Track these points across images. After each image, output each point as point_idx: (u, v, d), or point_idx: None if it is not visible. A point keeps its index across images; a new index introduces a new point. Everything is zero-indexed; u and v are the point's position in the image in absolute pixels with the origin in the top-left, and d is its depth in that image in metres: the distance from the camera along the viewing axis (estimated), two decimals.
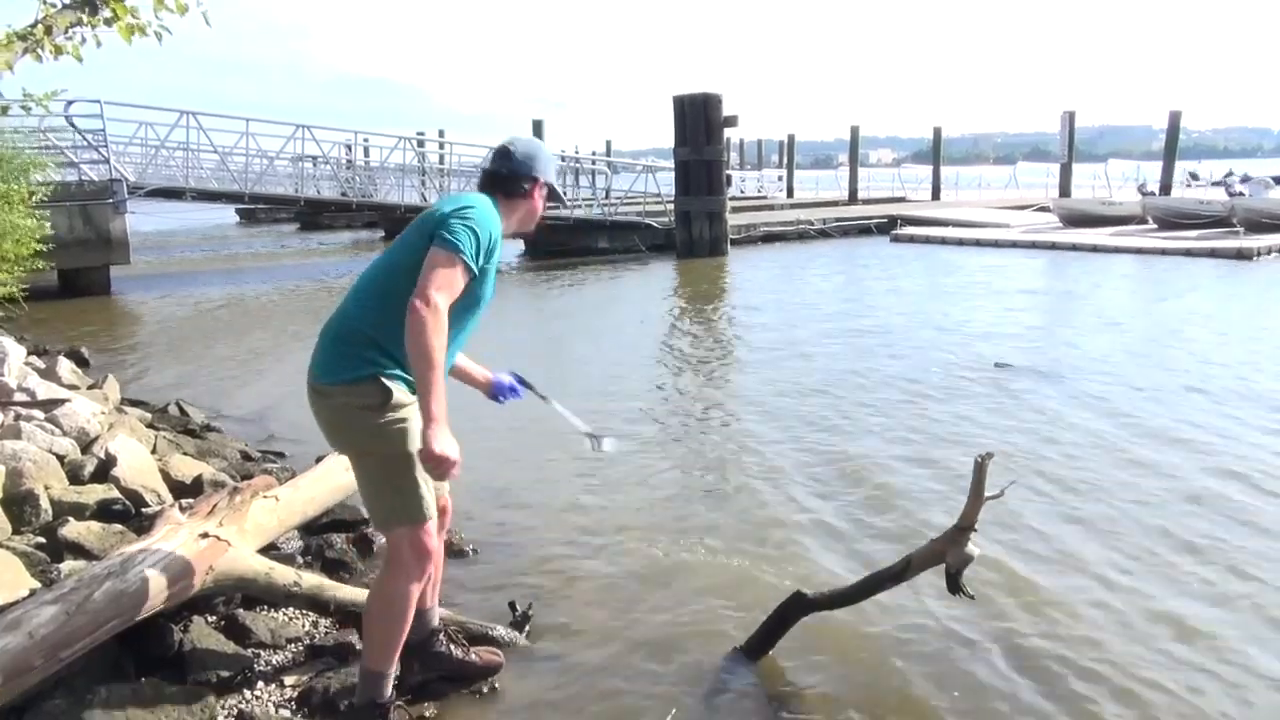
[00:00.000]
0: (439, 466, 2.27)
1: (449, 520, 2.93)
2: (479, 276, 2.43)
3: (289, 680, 2.92)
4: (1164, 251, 16.30)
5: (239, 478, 4.41)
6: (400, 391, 2.42)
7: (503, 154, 2.63)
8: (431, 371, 2.23)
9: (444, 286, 2.29)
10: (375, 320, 2.43)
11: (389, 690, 2.62)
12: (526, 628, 3.30)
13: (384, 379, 2.40)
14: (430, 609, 2.93)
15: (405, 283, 2.34)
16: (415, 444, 2.42)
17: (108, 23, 4.76)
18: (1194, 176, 24.68)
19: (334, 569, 3.72)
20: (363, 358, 2.41)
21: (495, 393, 2.95)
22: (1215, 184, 21.41)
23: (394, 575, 2.53)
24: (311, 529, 4.01)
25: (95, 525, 3.57)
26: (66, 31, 4.76)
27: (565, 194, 2.82)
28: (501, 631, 3.22)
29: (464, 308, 2.46)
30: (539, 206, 2.68)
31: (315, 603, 3.25)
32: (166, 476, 4.32)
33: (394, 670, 2.63)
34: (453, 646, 2.93)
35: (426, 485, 2.49)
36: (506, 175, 2.60)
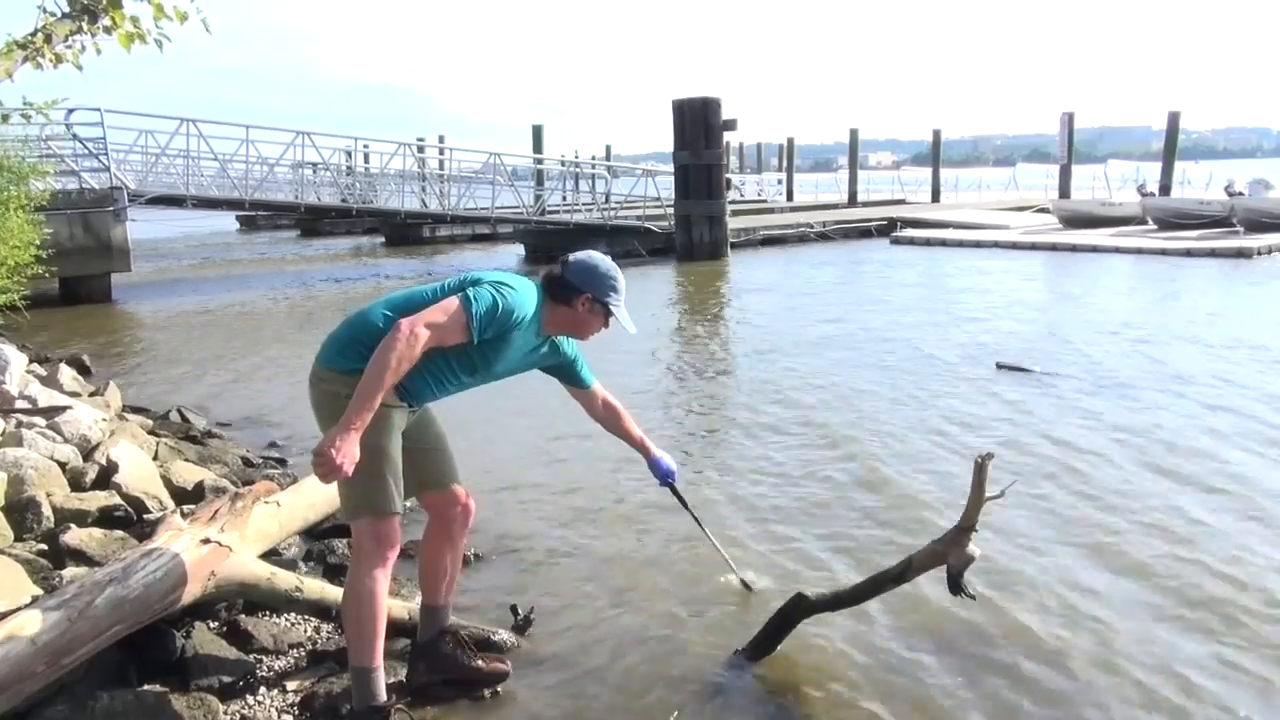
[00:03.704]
0: (323, 465, 2.31)
1: (471, 520, 2.95)
2: (481, 344, 2.53)
3: (291, 685, 2.92)
4: (1164, 252, 16.31)
5: (240, 483, 4.42)
6: (386, 395, 2.48)
7: (563, 261, 2.77)
8: (376, 385, 2.35)
9: (435, 326, 2.42)
10: (385, 330, 2.49)
11: (383, 689, 2.63)
12: (528, 631, 3.30)
13: None
14: (444, 608, 2.95)
15: None
16: (389, 440, 2.54)
17: (107, 31, 4.77)
18: None
19: (336, 574, 3.72)
20: (363, 355, 2.48)
21: (652, 467, 3.24)
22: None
23: (357, 565, 2.60)
24: (313, 534, 4.02)
25: (97, 532, 3.57)
26: (66, 40, 4.77)
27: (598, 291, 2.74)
28: (503, 635, 3.23)
29: (464, 367, 2.62)
30: (586, 320, 2.74)
31: (317, 608, 3.25)
32: (168, 483, 4.33)
33: (380, 665, 2.63)
34: (460, 650, 2.94)
35: (395, 481, 2.56)
36: (557, 279, 2.71)
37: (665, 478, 3.26)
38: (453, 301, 2.48)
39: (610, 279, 2.73)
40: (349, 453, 2.31)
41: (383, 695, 2.61)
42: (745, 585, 3.65)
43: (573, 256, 2.76)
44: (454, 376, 2.64)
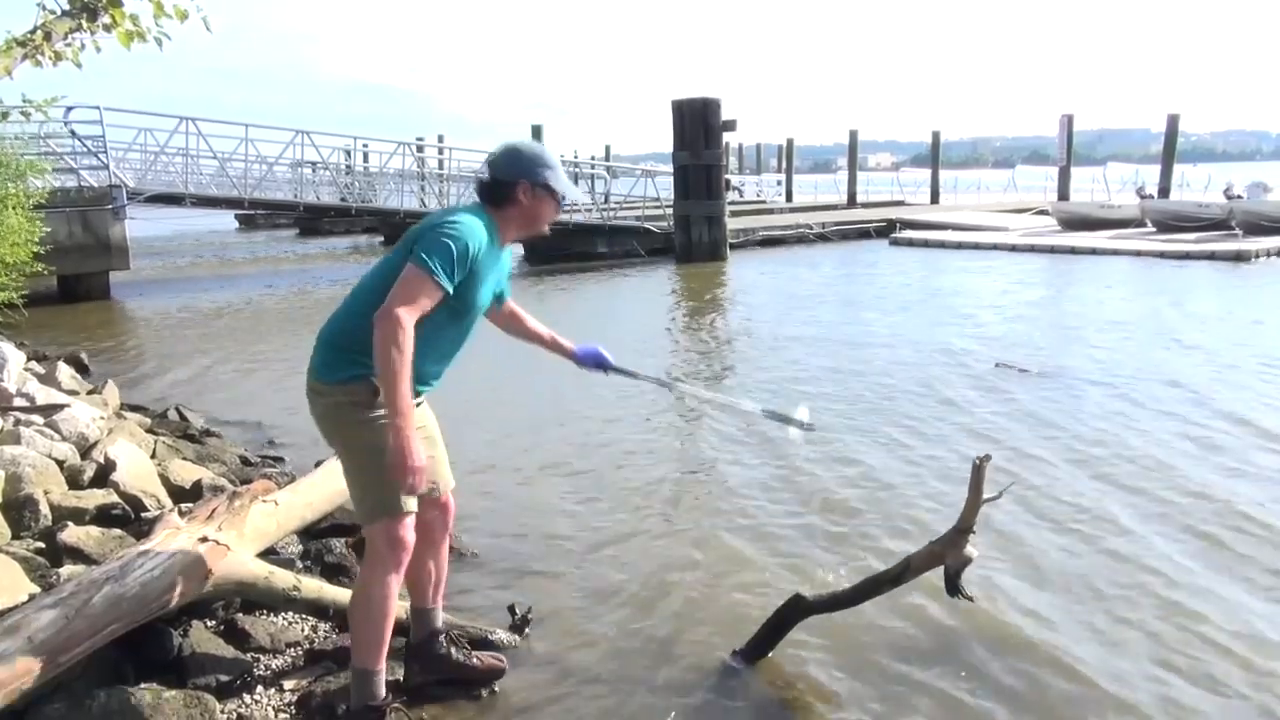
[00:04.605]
0: (408, 477, 2.34)
1: (452, 520, 2.95)
2: (457, 289, 2.47)
3: (288, 685, 2.92)
4: (1162, 254, 16.32)
5: (238, 482, 4.41)
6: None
7: (487, 162, 2.67)
8: (395, 383, 2.32)
9: (408, 302, 2.36)
10: (366, 327, 2.47)
11: (382, 690, 2.63)
12: (526, 631, 3.30)
13: (374, 379, 2.47)
14: (434, 610, 2.95)
15: None
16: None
17: (107, 29, 4.78)
18: None
19: (333, 573, 3.72)
20: (355, 361, 2.48)
21: (579, 360, 3.06)
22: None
23: (371, 569, 2.59)
24: (311, 533, 4.01)
25: (94, 530, 3.57)
26: (66, 38, 4.77)
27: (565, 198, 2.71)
28: (501, 635, 3.23)
29: (451, 316, 2.55)
30: (536, 209, 2.65)
31: (315, 607, 3.26)
32: (166, 481, 4.32)
33: (383, 667, 2.63)
34: (454, 649, 2.94)
35: None
36: (490, 183, 2.63)
37: (599, 364, 3.06)
38: (409, 270, 2.39)
39: (537, 157, 2.63)
40: (411, 450, 2.33)
41: (381, 695, 2.62)
42: (802, 425, 3.10)
43: (493, 156, 2.67)
44: (439, 331, 2.54)
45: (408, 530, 2.56)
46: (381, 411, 2.49)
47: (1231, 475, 4.96)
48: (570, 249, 18.86)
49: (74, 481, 4.09)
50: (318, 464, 4.38)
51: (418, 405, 2.67)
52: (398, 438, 2.33)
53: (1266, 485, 4.80)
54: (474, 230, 2.49)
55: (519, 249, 20.36)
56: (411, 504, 2.55)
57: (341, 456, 2.65)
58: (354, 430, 2.51)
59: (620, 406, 6.70)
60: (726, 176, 19.42)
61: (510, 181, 2.60)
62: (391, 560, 2.54)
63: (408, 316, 2.35)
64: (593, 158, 34.49)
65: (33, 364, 6.43)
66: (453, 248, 2.42)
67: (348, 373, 2.49)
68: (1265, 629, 3.34)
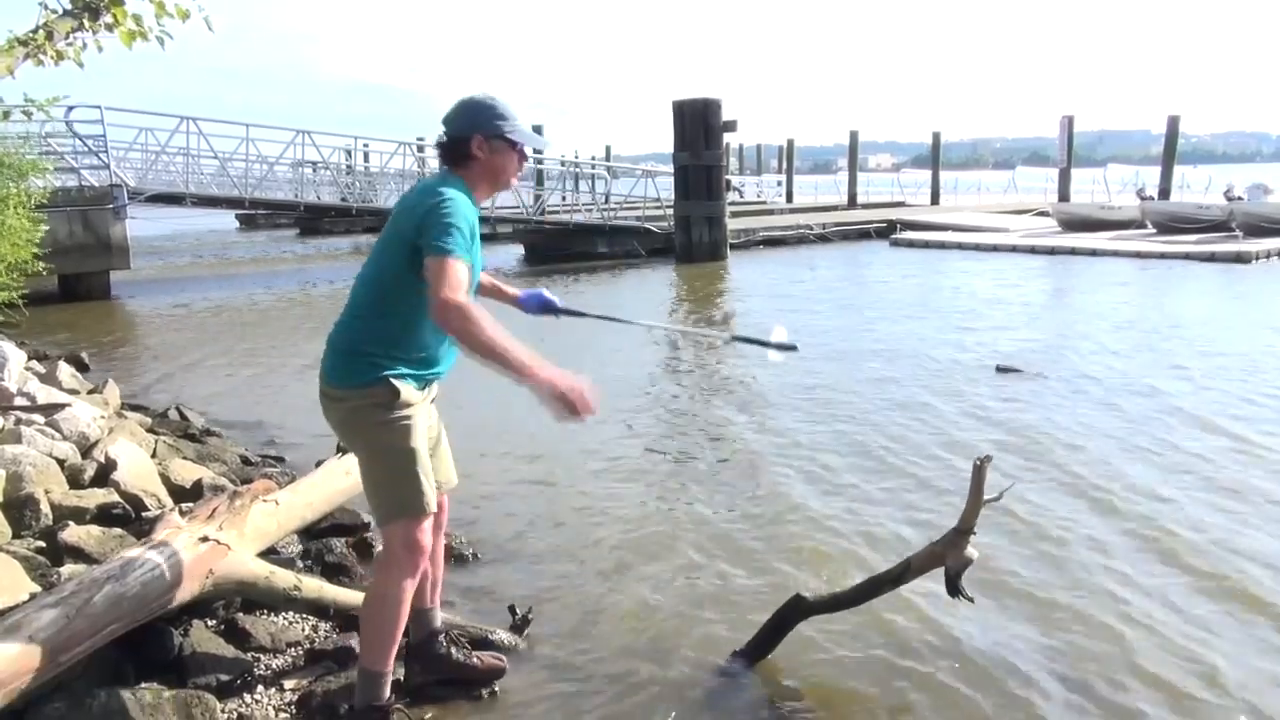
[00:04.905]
0: (582, 400, 2.24)
1: (445, 520, 2.95)
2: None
3: (289, 684, 2.92)
4: (1163, 255, 16.33)
5: (239, 482, 4.41)
6: (408, 391, 2.50)
7: (442, 121, 2.59)
8: (502, 355, 2.23)
9: (454, 287, 2.28)
10: (374, 327, 2.49)
11: (387, 691, 2.63)
12: (526, 631, 3.30)
13: (393, 380, 2.47)
14: (432, 610, 2.95)
15: (395, 286, 2.41)
16: (418, 440, 2.51)
17: (109, 28, 4.78)
18: None
19: (334, 573, 3.73)
20: (370, 363, 2.47)
21: (523, 305, 2.98)
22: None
23: (386, 572, 2.58)
24: (311, 533, 4.02)
25: (95, 529, 3.57)
26: (68, 37, 4.78)
27: (531, 153, 2.66)
28: (501, 635, 3.23)
29: None
30: (496, 162, 2.56)
31: (315, 606, 3.26)
32: (166, 481, 4.32)
33: (391, 670, 2.64)
34: (454, 649, 2.95)
35: (428, 480, 2.55)
36: (447, 145, 2.57)
37: (546, 307, 2.97)
38: (433, 263, 2.31)
39: (490, 108, 2.53)
40: (567, 384, 2.23)
41: (386, 697, 2.62)
42: (781, 347, 2.96)
43: (444, 118, 2.57)
44: None
45: (424, 533, 2.55)
46: (402, 412, 2.48)
47: (1232, 475, 4.96)
48: (570, 249, 18.87)
49: (75, 481, 4.09)
50: (318, 463, 4.38)
51: (431, 401, 2.66)
52: (546, 383, 2.22)
53: (1263, 482, 4.80)
54: (463, 202, 2.45)
55: (517, 248, 20.41)
56: (432, 503, 2.55)
57: (361, 459, 2.62)
58: (374, 432, 2.49)
59: (613, 404, 6.70)
60: (727, 177, 19.43)
61: (464, 137, 2.53)
62: (408, 562, 2.53)
63: (463, 296, 2.28)
64: (593, 158, 34.49)
65: (33, 363, 6.43)
66: (459, 225, 2.37)
67: (365, 376, 2.46)
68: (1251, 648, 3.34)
